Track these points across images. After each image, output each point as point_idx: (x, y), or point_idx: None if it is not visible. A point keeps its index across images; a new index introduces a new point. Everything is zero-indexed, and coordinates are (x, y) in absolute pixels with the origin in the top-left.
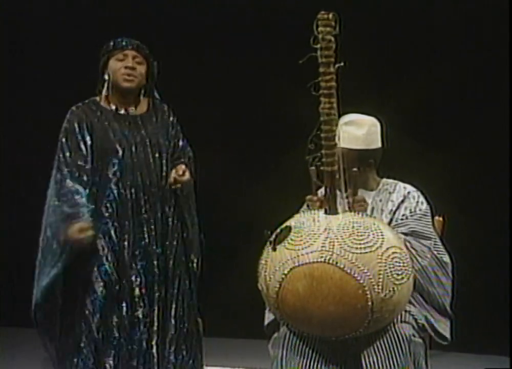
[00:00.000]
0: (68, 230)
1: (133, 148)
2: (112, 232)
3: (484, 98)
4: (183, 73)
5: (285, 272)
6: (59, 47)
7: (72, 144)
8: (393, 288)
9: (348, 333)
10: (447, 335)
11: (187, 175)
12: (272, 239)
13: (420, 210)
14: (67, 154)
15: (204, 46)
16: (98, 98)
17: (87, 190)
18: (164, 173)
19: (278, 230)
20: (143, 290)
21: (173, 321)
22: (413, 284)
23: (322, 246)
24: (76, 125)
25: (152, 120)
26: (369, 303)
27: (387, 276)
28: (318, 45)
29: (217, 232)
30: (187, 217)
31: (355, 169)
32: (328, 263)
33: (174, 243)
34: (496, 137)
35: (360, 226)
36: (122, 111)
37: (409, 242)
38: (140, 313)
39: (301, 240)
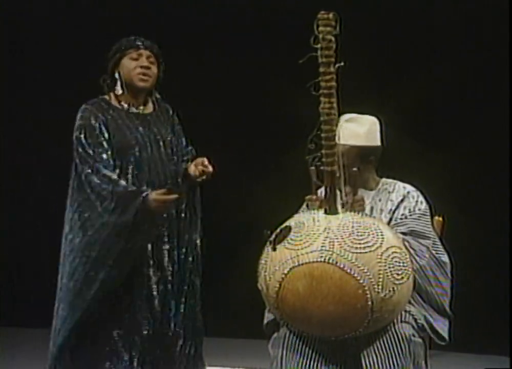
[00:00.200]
0: (148, 199)
1: (148, 146)
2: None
3: (484, 98)
4: (183, 73)
5: (285, 272)
6: (59, 47)
7: (92, 140)
8: (393, 288)
9: (348, 333)
10: (446, 335)
11: (211, 167)
12: (271, 238)
13: (419, 210)
14: (90, 151)
15: (204, 46)
16: (107, 97)
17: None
18: (177, 171)
19: (278, 230)
20: (160, 286)
21: (182, 309)
22: (413, 284)
23: (322, 246)
24: (93, 121)
25: (160, 118)
26: (369, 303)
27: (387, 276)
28: (318, 45)
29: (217, 232)
30: (196, 210)
31: (354, 169)
32: (328, 262)
33: (186, 237)
34: (496, 137)
35: (359, 226)
36: (133, 110)
37: (408, 242)
38: (157, 310)
39: (301, 240)
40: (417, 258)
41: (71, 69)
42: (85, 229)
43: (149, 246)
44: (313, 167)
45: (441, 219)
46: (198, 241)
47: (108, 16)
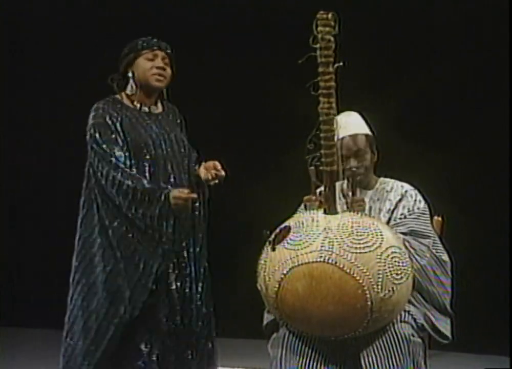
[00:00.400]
0: (170, 196)
1: (163, 145)
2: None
3: (484, 98)
4: (182, 73)
5: (285, 272)
6: (59, 47)
7: (107, 137)
8: (392, 288)
9: (347, 333)
10: (448, 334)
11: (223, 171)
12: (271, 238)
13: (418, 209)
14: (106, 148)
15: (204, 46)
16: (118, 96)
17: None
18: (190, 169)
19: (278, 230)
20: (178, 284)
21: (201, 317)
22: (412, 284)
23: (322, 246)
24: (107, 119)
25: (169, 118)
26: (369, 303)
27: (387, 276)
28: (317, 45)
29: (217, 232)
30: (205, 211)
31: (354, 169)
32: (328, 262)
33: (200, 235)
34: (496, 137)
35: (359, 226)
36: (145, 109)
37: (408, 242)
38: (177, 307)
39: (300, 240)
40: (418, 258)
41: (71, 69)
42: (105, 230)
43: None
44: (312, 167)
45: (440, 219)
46: (205, 239)
47: (108, 16)
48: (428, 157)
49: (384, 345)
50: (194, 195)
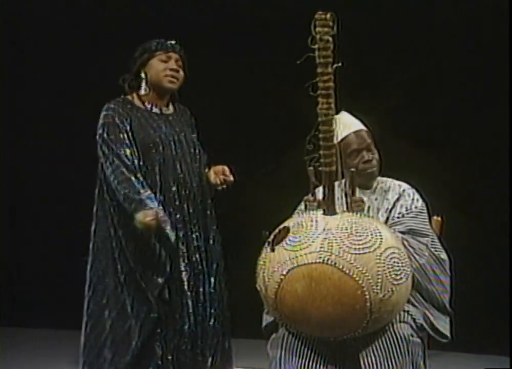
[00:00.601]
0: (139, 215)
1: (173, 145)
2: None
3: (484, 98)
4: None
5: (284, 273)
6: (59, 47)
7: (116, 137)
8: (391, 288)
9: (346, 333)
10: (447, 333)
11: (231, 176)
12: (270, 239)
13: (416, 207)
14: (114, 148)
15: (204, 46)
16: (129, 97)
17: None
18: (200, 170)
19: (277, 230)
20: (191, 283)
21: (215, 317)
22: (412, 284)
23: (321, 247)
24: (117, 120)
25: (181, 119)
26: (368, 304)
27: (386, 276)
28: (316, 46)
29: None
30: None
31: (353, 169)
32: (327, 263)
33: (212, 235)
34: (496, 137)
35: (358, 227)
36: (156, 110)
37: (406, 241)
38: (190, 308)
39: (299, 241)
40: (417, 257)
41: (71, 69)
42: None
43: (180, 243)
44: (311, 168)
45: (439, 219)
46: (220, 237)
47: (108, 16)
48: (428, 157)
49: (383, 345)
50: (161, 218)
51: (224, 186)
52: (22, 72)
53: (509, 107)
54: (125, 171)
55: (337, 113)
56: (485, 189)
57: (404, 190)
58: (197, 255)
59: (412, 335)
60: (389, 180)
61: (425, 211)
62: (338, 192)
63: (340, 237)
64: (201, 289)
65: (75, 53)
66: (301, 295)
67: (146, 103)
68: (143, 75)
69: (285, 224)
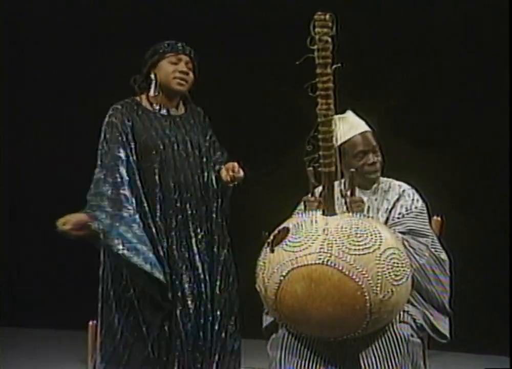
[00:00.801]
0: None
1: (175, 147)
2: (161, 228)
3: (484, 98)
4: None
5: (284, 274)
6: (59, 47)
7: (113, 138)
8: (391, 289)
9: (346, 334)
10: (446, 333)
11: (241, 172)
12: (269, 240)
13: (416, 208)
14: (106, 147)
15: (204, 46)
16: (138, 98)
17: (126, 183)
18: (205, 172)
19: (276, 231)
20: (192, 286)
21: (219, 320)
22: (411, 284)
23: (321, 248)
24: (119, 121)
25: (190, 120)
26: (368, 305)
27: (386, 277)
28: (315, 46)
29: None
30: (226, 214)
31: (353, 169)
32: (327, 264)
33: (216, 239)
34: (496, 137)
35: (358, 227)
36: (164, 112)
37: (407, 241)
38: (191, 310)
39: (299, 242)
40: (417, 257)
41: (71, 69)
42: None
43: (183, 248)
44: (310, 168)
45: (439, 219)
46: (228, 240)
47: (108, 16)
48: (428, 157)
49: (383, 346)
50: (64, 227)
51: (235, 183)
52: (22, 72)
53: (509, 107)
54: (104, 172)
55: (337, 113)
56: (485, 189)
57: (404, 191)
58: (197, 258)
59: (412, 336)
60: (389, 180)
61: (425, 211)
62: (337, 193)
63: (339, 238)
64: (203, 292)
65: (75, 53)
66: (301, 296)
67: (154, 105)
68: (152, 77)
69: (285, 224)
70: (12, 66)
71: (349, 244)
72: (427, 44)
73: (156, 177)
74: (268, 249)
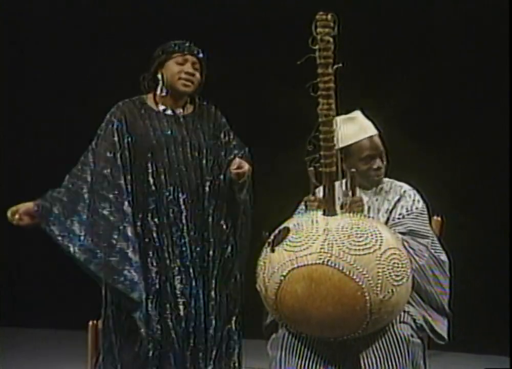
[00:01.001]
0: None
1: (172, 147)
2: (153, 228)
3: (484, 98)
4: None
5: (284, 274)
6: (59, 47)
7: (106, 135)
8: (392, 289)
9: (347, 334)
10: (445, 335)
11: (246, 166)
12: (270, 240)
13: (417, 209)
14: (95, 144)
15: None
16: (145, 97)
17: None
18: (204, 173)
19: (277, 231)
20: (184, 288)
21: (213, 322)
22: (412, 285)
23: (321, 248)
24: (116, 118)
25: (196, 120)
26: (368, 305)
27: (386, 278)
28: (316, 46)
29: None
30: (235, 218)
31: (353, 169)
32: (327, 264)
33: (211, 240)
34: (496, 137)
35: (358, 228)
36: (168, 112)
37: (407, 242)
38: (181, 311)
39: (299, 242)
40: (416, 258)
41: (71, 69)
42: None
43: (176, 249)
44: (311, 168)
45: (439, 219)
46: (233, 242)
47: (108, 16)
48: (428, 157)
49: (383, 346)
50: (13, 217)
51: (243, 179)
52: (22, 72)
53: (509, 107)
54: (80, 168)
55: (337, 113)
56: (485, 189)
57: (405, 192)
58: (188, 259)
59: (412, 336)
60: (391, 180)
61: (426, 212)
62: (338, 192)
63: (340, 238)
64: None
65: (75, 53)
66: (301, 296)
67: (159, 104)
68: (159, 76)
69: (286, 224)
70: (12, 66)
71: (350, 244)
72: (427, 44)
73: (150, 177)
74: (269, 249)
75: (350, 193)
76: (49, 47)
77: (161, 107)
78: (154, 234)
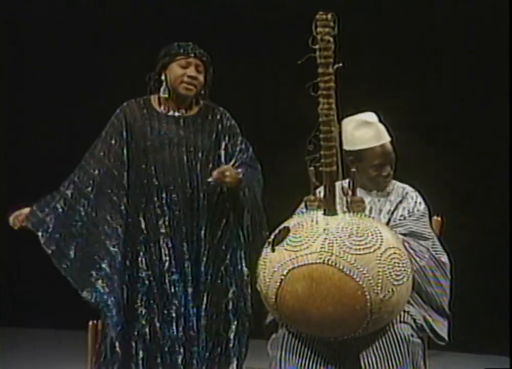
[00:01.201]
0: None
1: (169, 148)
2: (146, 228)
3: (484, 98)
4: None
5: (284, 273)
6: (59, 47)
7: (107, 136)
8: (392, 289)
9: (347, 333)
10: (445, 335)
11: (230, 178)
12: (270, 239)
13: (418, 210)
14: (93, 145)
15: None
16: (151, 97)
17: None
18: (198, 176)
19: (277, 231)
20: (176, 289)
21: (203, 321)
22: (412, 285)
23: (321, 247)
24: (117, 120)
25: (198, 122)
26: (368, 304)
27: (386, 277)
28: (317, 46)
29: None
30: (236, 221)
31: (353, 169)
32: (328, 264)
33: (203, 243)
34: (496, 137)
35: (358, 227)
36: (171, 113)
37: (407, 243)
38: (173, 312)
39: (300, 241)
40: (417, 259)
41: (71, 69)
42: None
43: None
44: (311, 168)
45: (439, 219)
46: (234, 245)
47: (108, 16)
48: (428, 156)
49: (383, 346)
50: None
51: (221, 185)
52: (22, 72)
53: (509, 107)
54: (83, 167)
55: (338, 113)
56: (485, 189)
57: (407, 193)
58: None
59: (412, 336)
60: (393, 181)
61: (427, 215)
62: (338, 192)
63: (340, 237)
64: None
65: (75, 53)
66: (301, 295)
67: (162, 106)
68: (163, 78)
69: (286, 224)
70: (12, 66)
71: (350, 243)
72: (427, 44)
73: (145, 177)
74: (269, 248)
75: (350, 193)
76: (49, 47)
77: (164, 109)
78: (146, 235)
